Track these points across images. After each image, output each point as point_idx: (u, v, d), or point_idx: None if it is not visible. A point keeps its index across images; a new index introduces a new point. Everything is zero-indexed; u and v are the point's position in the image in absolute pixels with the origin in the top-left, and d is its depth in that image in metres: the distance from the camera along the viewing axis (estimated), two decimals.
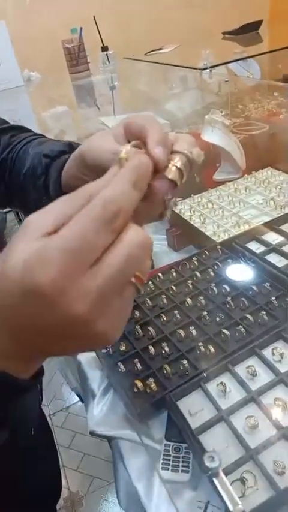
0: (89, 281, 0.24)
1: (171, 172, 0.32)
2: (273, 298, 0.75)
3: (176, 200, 0.37)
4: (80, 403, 1.69)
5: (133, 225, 0.26)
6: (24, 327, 0.25)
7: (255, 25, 2.09)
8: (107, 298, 0.25)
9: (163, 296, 0.81)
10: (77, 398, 1.61)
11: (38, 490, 0.71)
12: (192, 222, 1.04)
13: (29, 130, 0.59)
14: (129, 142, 0.35)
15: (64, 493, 1.45)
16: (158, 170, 0.31)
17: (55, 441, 0.81)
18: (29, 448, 0.52)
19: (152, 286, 0.85)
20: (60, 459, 0.90)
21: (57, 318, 0.24)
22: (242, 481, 0.53)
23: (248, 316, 0.72)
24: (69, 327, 0.24)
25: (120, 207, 0.25)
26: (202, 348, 0.68)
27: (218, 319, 0.74)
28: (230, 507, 0.47)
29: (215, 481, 0.49)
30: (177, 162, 0.33)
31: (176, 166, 0.33)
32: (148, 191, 0.30)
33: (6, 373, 0.27)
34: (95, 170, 0.38)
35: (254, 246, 0.91)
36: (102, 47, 1.98)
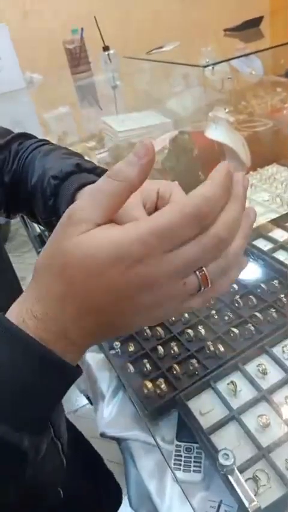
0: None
1: None
2: (282, 295, 0.74)
3: None
4: (88, 405, 1.69)
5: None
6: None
7: (256, 21, 2.08)
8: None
9: None
10: (86, 401, 1.61)
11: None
12: None
13: (34, 137, 0.59)
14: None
15: None
16: None
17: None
18: (71, 459, 0.54)
19: None
20: None
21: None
22: (255, 479, 0.53)
23: (257, 314, 0.72)
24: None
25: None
26: (211, 347, 0.68)
27: (226, 317, 0.73)
28: (246, 503, 0.47)
29: (230, 478, 0.49)
30: None
31: None
32: None
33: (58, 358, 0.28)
34: None
35: (261, 244, 0.90)
36: (103, 47, 1.97)
